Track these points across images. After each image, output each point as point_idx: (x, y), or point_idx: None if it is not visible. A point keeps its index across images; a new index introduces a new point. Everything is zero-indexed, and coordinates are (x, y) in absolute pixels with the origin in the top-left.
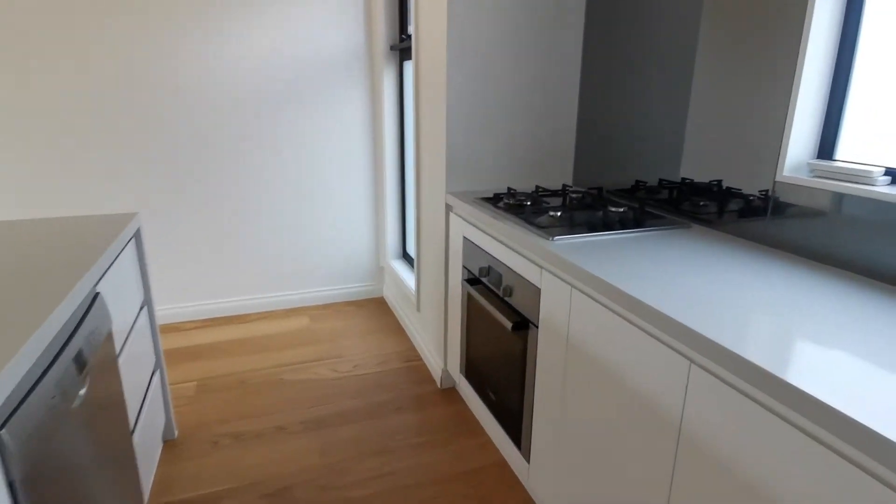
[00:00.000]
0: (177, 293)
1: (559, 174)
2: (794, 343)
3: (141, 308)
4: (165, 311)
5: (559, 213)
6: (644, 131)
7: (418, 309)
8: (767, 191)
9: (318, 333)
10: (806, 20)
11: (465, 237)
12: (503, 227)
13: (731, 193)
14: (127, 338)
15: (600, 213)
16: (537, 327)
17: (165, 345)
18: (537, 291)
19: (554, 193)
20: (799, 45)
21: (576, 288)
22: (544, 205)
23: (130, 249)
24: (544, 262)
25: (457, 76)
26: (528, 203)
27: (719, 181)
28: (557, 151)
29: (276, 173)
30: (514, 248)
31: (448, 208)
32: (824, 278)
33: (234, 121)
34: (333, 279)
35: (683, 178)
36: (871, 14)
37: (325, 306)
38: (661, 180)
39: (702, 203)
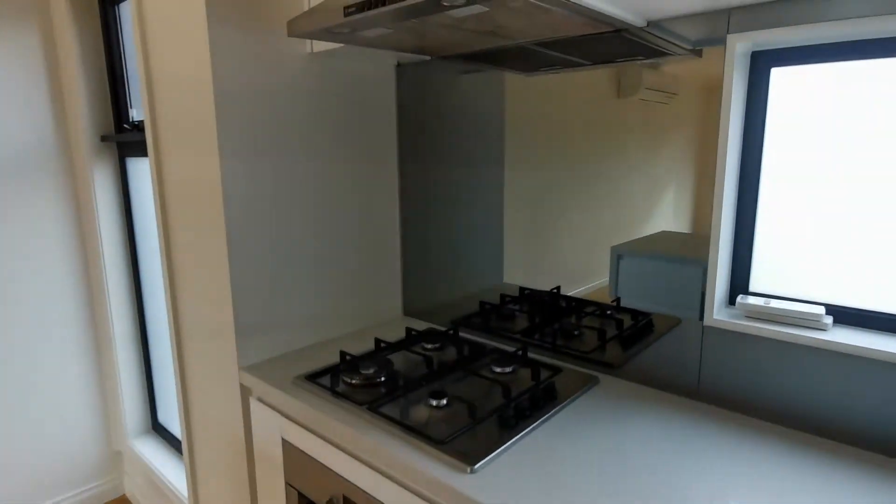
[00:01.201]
0: None
1: (388, 307)
2: None
3: None
4: None
5: (444, 401)
6: (466, 241)
7: None
8: (619, 299)
9: None
10: (720, 138)
11: (285, 440)
12: (367, 443)
13: (586, 308)
14: None
15: (485, 380)
16: None
17: None
18: None
19: (400, 346)
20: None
21: None
22: (401, 377)
23: None
24: None
25: (237, 192)
26: (382, 378)
27: (558, 288)
28: (383, 280)
29: None
30: (394, 479)
31: (245, 391)
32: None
33: None
34: (35, 493)
35: (522, 289)
36: (774, 135)
37: None
38: (502, 296)
39: (575, 332)
